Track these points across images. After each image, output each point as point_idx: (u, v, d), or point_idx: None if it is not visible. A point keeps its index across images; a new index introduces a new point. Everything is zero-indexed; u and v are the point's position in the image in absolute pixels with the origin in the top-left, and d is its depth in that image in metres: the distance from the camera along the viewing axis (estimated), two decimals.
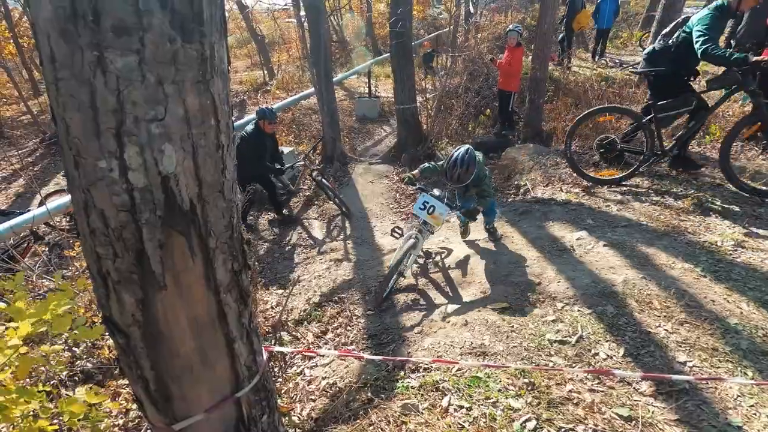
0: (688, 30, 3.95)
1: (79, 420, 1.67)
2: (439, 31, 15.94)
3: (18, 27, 11.99)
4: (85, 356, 3.05)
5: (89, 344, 3.26)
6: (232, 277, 0.74)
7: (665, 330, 2.36)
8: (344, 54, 16.26)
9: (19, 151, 9.15)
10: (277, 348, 2.33)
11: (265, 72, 12.69)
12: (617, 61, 11.36)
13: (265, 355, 0.97)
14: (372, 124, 9.63)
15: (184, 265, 0.65)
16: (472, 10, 17.18)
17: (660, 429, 1.84)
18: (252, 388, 0.87)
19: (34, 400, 1.30)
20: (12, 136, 10.17)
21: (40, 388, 1.60)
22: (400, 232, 3.48)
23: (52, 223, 4.42)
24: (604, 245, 3.35)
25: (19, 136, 10.25)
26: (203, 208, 0.64)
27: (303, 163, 5.76)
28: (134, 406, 2.60)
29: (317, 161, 7.23)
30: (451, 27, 13.13)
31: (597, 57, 10.38)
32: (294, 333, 3.07)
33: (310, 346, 2.82)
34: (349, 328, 2.97)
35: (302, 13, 10.69)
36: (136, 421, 2.46)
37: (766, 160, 4.48)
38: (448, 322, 2.70)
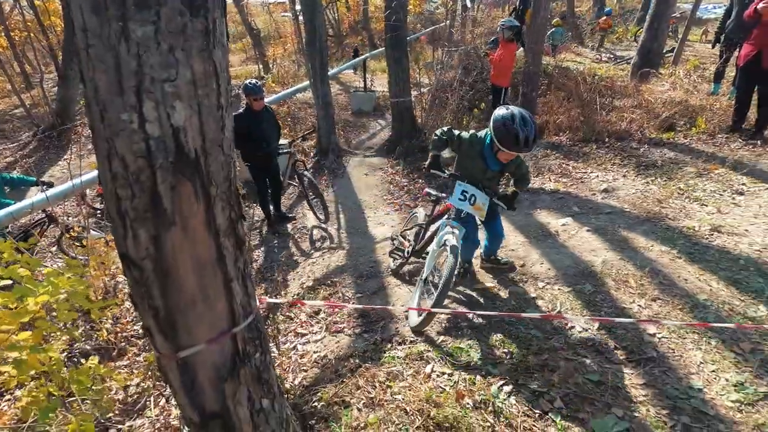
0: None
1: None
2: (436, 26, 16.02)
3: (9, 20, 11.97)
4: (83, 338, 3.17)
5: (88, 327, 3.39)
6: (229, 224, 0.86)
7: (638, 306, 2.51)
8: (340, 48, 16.32)
9: (12, 144, 9.20)
10: (271, 299, 2.48)
11: (261, 66, 12.75)
12: (612, 55, 11.52)
13: (259, 304, 1.09)
14: (367, 118, 9.73)
15: (190, 209, 0.77)
16: (468, 4, 17.27)
17: (627, 392, 1.98)
18: (247, 327, 1.00)
19: (47, 358, 1.42)
20: (5, 129, 10.20)
21: (52, 353, 1.73)
22: (399, 254, 3.30)
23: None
24: (587, 230, 3.49)
25: (12, 129, 10.28)
26: (206, 159, 0.76)
27: (289, 151, 5.20)
28: (134, 381, 2.74)
29: (308, 153, 7.34)
30: (448, 21, 13.19)
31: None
32: (287, 314, 3.20)
33: (303, 325, 2.95)
34: (338, 309, 3.10)
35: (298, 6, 10.75)
36: (135, 396, 2.59)
37: None
38: None
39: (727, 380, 1.99)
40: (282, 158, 5.20)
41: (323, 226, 5.05)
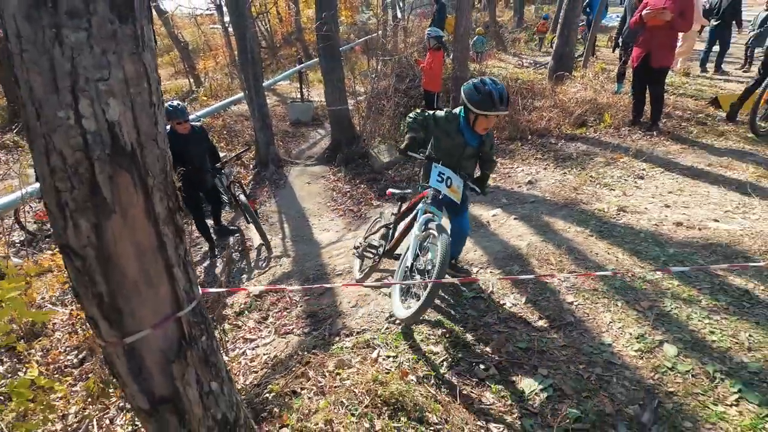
0: None
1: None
2: (369, 36, 16.41)
3: None
4: (9, 375, 2.97)
5: (15, 361, 3.16)
6: (168, 212, 0.94)
7: (557, 279, 2.81)
8: (275, 60, 16.19)
9: None
10: (212, 290, 2.50)
11: (191, 80, 12.36)
12: (532, 61, 12.43)
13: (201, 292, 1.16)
14: (306, 128, 9.76)
15: (129, 198, 0.84)
16: (399, 15, 17.87)
17: (550, 354, 2.23)
18: (191, 311, 1.06)
19: None
20: None
21: None
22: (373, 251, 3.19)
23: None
24: (515, 218, 3.82)
25: None
26: (142, 151, 0.83)
27: (223, 172, 4.70)
28: (72, 409, 2.61)
29: (248, 166, 7.24)
30: (380, 32, 13.57)
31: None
32: (235, 323, 3.19)
33: (251, 331, 2.96)
34: (287, 311, 3.15)
35: (227, 18, 10.59)
36: (74, 425, 2.48)
37: None
38: (380, 293, 2.98)
39: (630, 334, 2.31)
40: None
41: (268, 247, 4.68)
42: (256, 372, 2.39)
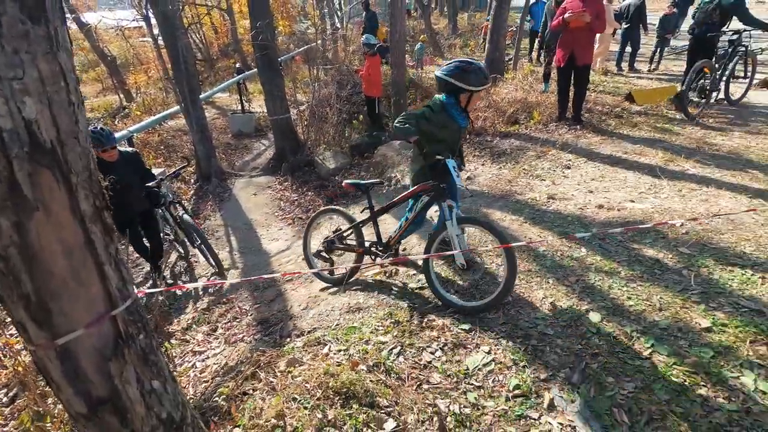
0: None
1: None
2: (309, 45, 16.42)
3: None
4: None
5: None
6: (95, 211, 0.95)
7: (496, 264, 3.00)
8: (212, 72, 15.78)
9: None
10: (149, 290, 2.42)
11: (122, 96, 11.76)
12: None
13: (139, 294, 1.17)
14: (249, 139, 9.61)
15: (52, 195, 0.85)
16: (338, 24, 18.05)
17: (491, 331, 2.39)
18: (126, 310, 1.07)
19: None
20: None
21: None
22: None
23: None
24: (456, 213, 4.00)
25: None
26: (62, 148, 0.85)
27: (162, 192, 4.06)
28: None
29: (188, 181, 7.01)
30: (319, 41, 13.63)
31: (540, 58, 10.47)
32: (183, 338, 3.11)
33: (200, 344, 2.90)
34: (237, 321, 3.11)
35: (157, 30, 10.22)
36: None
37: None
38: (329, 293, 3.03)
39: (560, 306, 2.52)
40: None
41: (221, 273, 4.21)
42: (207, 382, 2.36)
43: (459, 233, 2.56)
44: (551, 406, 1.90)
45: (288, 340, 2.53)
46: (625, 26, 9.02)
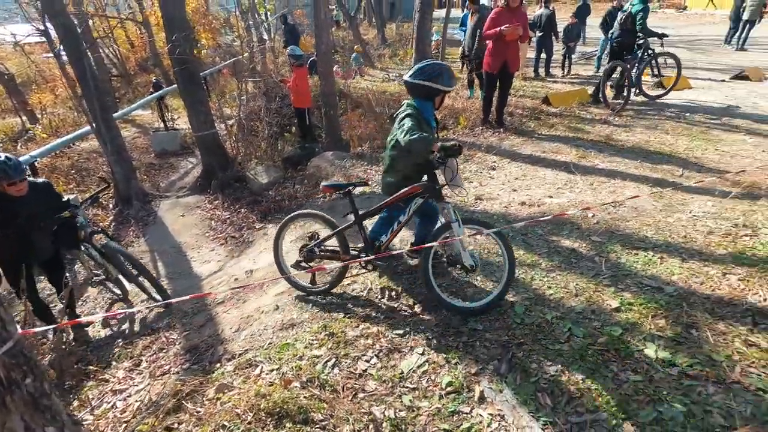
0: None
1: None
2: (235, 58, 15.96)
3: None
4: None
5: None
6: None
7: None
8: (130, 88, 14.84)
9: None
10: (37, 329, 2.16)
11: (24, 118, 10.68)
12: (397, 74, 13.31)
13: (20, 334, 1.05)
14: (175, 158, 9.10)
15: None
16: (265, 36, 17.74)
17: (425, 334, 2.43)
18: (7, 353, 0.96)
19: None
20: None
21: None
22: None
23: None
24: None
25: None
26: None
27: (79, 221, 3.44)
28: None
29: (106, 207, 6.49)
30: (246, 54, 13.30)
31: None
32: (102, 378, 2.85)
33: (121, 381, 2.67)
34: (164, 352, 2.91)
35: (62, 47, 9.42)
36: None
37: None
38: (262, 312, 2.93)
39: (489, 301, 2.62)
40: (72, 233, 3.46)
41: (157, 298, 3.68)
42: (127, 421, 2.17)
43: (462, 233, 2.54)
44: (482, 399, 1.97)
45: (218, 365, 2.40)
46: (539, 35, 9.72)
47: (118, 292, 3.85)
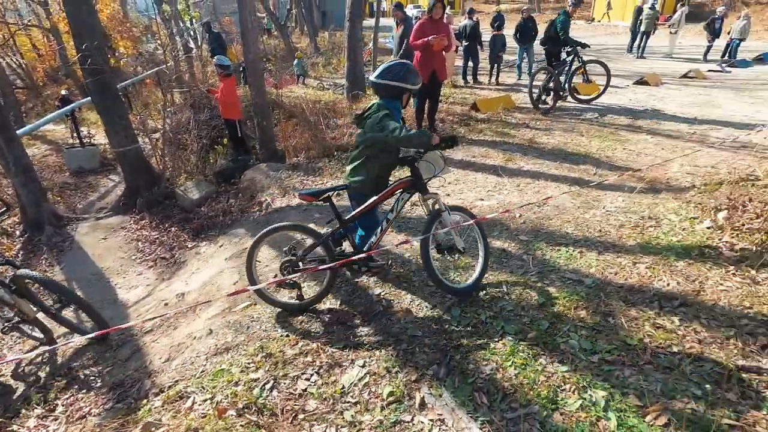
0: None
1: None
2: (159, 67, 15.08)
3: None
4: None
5: None
6: None
7: (367, 277, 3.08)
8: (39, 101, 13.52)
9: None
10: None
11: None
12: (331, 83, 13.30)
13: None
14: (94, 176, 8.40)
15: None
16: (191, 44, 16.94)
17: (365, 345, 2.42)
18: None
19: None
20: None
21: None
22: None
23: None
24: (327, 228, 4.02)
25: None
26: None
27: None
28: None
29: (11, 234, 5.85)
30: (171, 63, 12.62)
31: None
32: (8, 429, 2.53)
33: (32, 431, 2.39)
34: (83, 392, 2.65)
35: None
36: None
37: None
38: (194, 338, 2.77)
39: (426, 307, 2.68)
40: None
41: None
42: None
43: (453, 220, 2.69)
44: (422, 405, 2.00)
45: (145, 401, 2.23)
46: (465, 44, 10.17)
47: (39, 335, 3.30)
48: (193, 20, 17.05)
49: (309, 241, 2.79)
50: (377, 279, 3.03)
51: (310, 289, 3.00)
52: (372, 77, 2.60)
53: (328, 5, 27.62)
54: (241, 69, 9.09)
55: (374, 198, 2.66)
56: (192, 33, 17.87)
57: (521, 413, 1.90)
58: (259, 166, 6.44)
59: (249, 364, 2.32)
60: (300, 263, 2.73)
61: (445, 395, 2.03)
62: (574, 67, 7.49)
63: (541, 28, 9.95)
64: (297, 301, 2.75)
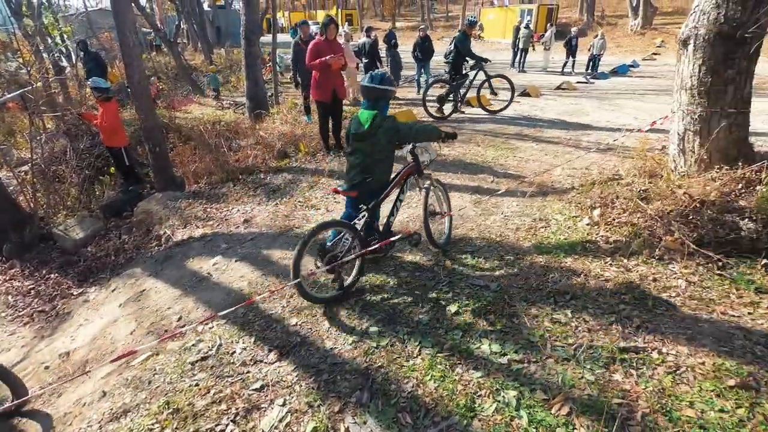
0: None
1: None
2: (24, 89, 13.17)
3: None
4: None
5: None
6: None
7: (282, 306, 2.96)
8: None
9: None
10: None
11: None
12: (231, 102, 12.74)
13: None
14: None
15: None
16: (64, 63, 15.10)
17: (284, 382, 2.32)
18: None
19: None
20: None
21: None
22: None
23: None
24: (236, 261, 3.80)
25: None
26: None
27: None
28: None
29: None
30: (39, 83, 11.10)
31: None
32: None
33: None
34: None
35: None
36: None
37: None
38: (84, 404, 2.42)
39: (344, 331, 2.65)
40: None
41: None
42: None
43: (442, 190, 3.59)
44: None
45: None
46: (366, 61, 10.45)
47: None
48: (64, 36, 15.23)
49: (347, 235, 3.04)
50: (293, 308, 2.92)
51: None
52: (364, 82, 2.99)
53: (222, 21, 26.62)
54: (128, 89, 8.27)
55: (392, 184, 3.19)
56: (64, 50, 15.96)
57: (443, 426, 1.96)
58: (155, 196, 5.91)
59: (153, 425, 2.08)
60: (341, 256, 2.95)
61: (370, 421, 2.01)
62: (480, 81, 8.13)
63: (437, 45, 10.64)
64: (337, 292, 2.95)
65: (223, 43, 23.54)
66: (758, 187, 3.21)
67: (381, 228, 3.26)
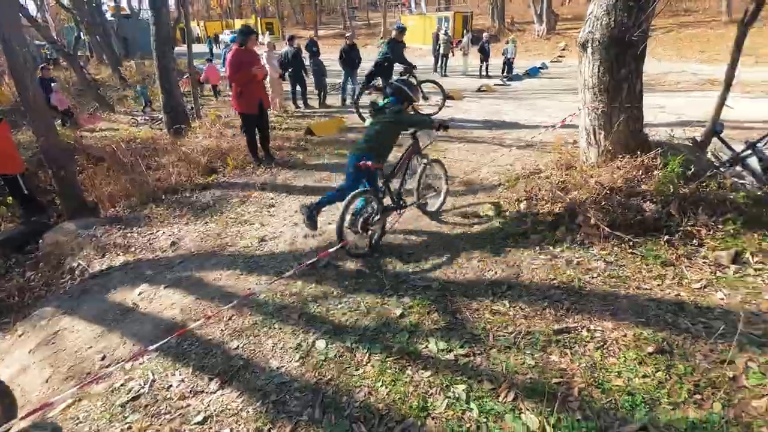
0: None
1: None
2: None
3: None
4: None
5: None
6: None
7: (220, 330, 2.80)
8: None
9: None
10: None
11: None
12: (147, 118, 11.88)
13: None
14: None
15: None
16: None
17: (229, 409, 2.18)
18: None
19: None
20: None
21: None
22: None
23: None
24: (165, 287, 3.53)
25: None
26: None
27: None
28: None
29: None
30: None
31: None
32: None
33: None
34: None
35: None
36: None
37: None
38: None
39: (290, 347, 2.56)
40: None
41: None
42: None
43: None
44: None
45: None
46: (290, 70, 10.28)
47: None
48: None
49: (373, 203, 3.57)
50: (233, 330, 2.77)
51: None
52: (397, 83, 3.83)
53: (129, 31, 24.86)
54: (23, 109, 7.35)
55: (402, 157, 3.97)
56: None
57: (398, 430, 1.95)
58: (64, 225, 5.33)
59: None
60: (372, 219, 3.52)
61: None
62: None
63: (362, 53, 10.77)
64: (367, 247, 3.60)
65: (132, 54, 21.94)
66: (655, 172, 3.61)
67: (394, 197, 3.88)
